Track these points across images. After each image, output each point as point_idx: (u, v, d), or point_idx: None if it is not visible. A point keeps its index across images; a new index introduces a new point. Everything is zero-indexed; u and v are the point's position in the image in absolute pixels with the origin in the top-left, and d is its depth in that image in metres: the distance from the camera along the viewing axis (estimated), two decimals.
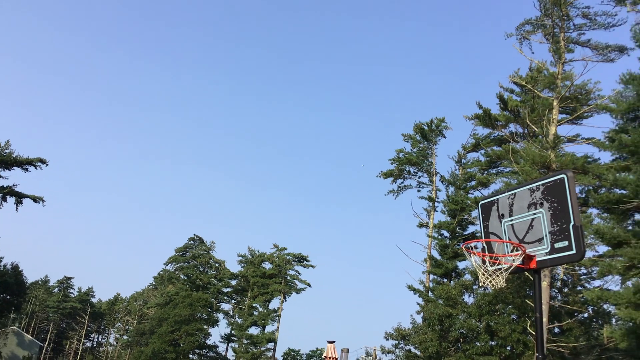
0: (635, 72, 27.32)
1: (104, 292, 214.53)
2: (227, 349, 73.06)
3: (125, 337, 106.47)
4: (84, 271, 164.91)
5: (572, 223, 6.56)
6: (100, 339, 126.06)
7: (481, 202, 8.06)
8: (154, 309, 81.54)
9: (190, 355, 67.43)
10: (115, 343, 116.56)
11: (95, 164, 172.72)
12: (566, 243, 6.57)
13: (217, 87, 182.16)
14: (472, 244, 7.88)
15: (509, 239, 7.36)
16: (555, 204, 6.77)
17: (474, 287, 35.30)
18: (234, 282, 77.78)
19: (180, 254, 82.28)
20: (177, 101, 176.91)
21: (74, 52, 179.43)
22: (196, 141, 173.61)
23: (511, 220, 7.43)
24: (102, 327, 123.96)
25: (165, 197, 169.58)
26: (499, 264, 7.23)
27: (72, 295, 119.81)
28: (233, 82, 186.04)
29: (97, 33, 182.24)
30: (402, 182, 51.50)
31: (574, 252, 6.50)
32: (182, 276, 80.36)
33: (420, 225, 48.40)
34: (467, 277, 37.68)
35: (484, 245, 7.77)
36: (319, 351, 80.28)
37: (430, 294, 40.02)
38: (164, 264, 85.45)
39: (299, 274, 74.03)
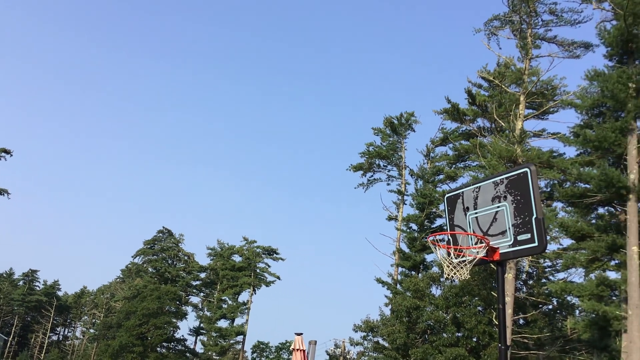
0: (600, 69, 27.89)
1: (71, 286, 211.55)
2: (195, 342, 72.79)
3: (92, 330, 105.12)
4: (49, 264, 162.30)
5: (534, 216, 6.68)
6: (66, 333, 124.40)
7: (447, 195, 8.14)
8: (122, 302, 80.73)
9: (158, 349, 66.87)
10: (81, 337, 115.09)
11: (62, 155, 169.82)
12: (529, 235, 6.69)
13: (182, 74, 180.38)
14: (438, 237, 7.98)
15: (474, 232, 7.45)
16: (519, 197, 6.89)
17: (442, 279, 35.74)
18: (203, 275, 77.39)
19: (149, 246, 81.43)
20: (137, 88, 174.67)
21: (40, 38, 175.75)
22: (163, 132, 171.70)
23: (476, 213, 7.52)
24: (69, 321, 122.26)
25: (133, 189, 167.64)
26: (463, 256, 7.32)
27: (38, 289, 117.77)
28: (200, 71, 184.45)
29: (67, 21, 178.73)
30: (372, 176, 51.86)
31: (536, 244, 6.62)
32: (150, 269, 79.60)
33: (390, 219, 48.83)
34: (435, 269, 38.14)
35: (449, 237, 7.86)
36: (288, 343, 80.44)
37: (398, 286, 40.39)
38: (132, 256, 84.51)
39: (269, 266, 74.04)
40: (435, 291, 36.13)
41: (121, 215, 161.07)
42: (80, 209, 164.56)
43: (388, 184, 52.02)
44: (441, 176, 43.27)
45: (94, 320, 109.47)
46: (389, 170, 51.46)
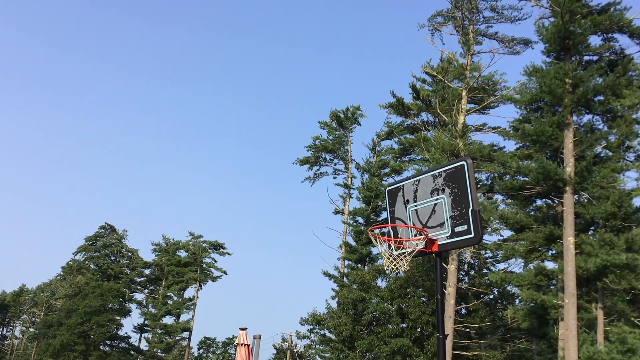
0: (539, 65, 28.74)
1: (8, 284, 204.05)
2: (140, 340, 71.52)
3: (32, 329, 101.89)
4: None
5: (471, 208, 6.81)
6: (4, 332, 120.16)
7: (388, 189, 8.22)
8: (63, 300, 78.48)
9: (101, 347, 65.49)
10: (21, 336, 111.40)
11: None
12: (465, 227, 6.83)
13: (120, 67, 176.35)
14: (379, 230, 8.05)
15: (413, 224, 7.55)
16: (456, 190, 7.01)
17: (387, 271, 36.20)
18: (147, 271, 76.06)
19: (91, 243, 79.38)
20: (77, 79, 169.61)
21: None
22: (103, 126, 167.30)
23: (415, 205, 7.62)
24: (7, 320, 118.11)
25: (72, 185, 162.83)
26: (403, 248, 7.41)
27: None
28: (138, 67, 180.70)
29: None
30: (319, 169, 52.05)
31: (472, 235, 6.76)
32: (92, 266, 77.67)
33: (336, 212, 49.14)
34: (381, 262, 38.58)
35: (390, 230, 7.94)
36: (234, 338, 79.95)
37: (345, 279, 40.69)
38: (73, 253, 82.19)
39: (215, 261, 73.35)
40: (381, 283, 36.60)
41: (61, 212, 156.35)
42: (16, 206, 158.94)
43: (334, 178, 52.35)
44: (387, 170, 43.79)
45: (33, 319, 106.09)
46: (335, 164, 51.79)
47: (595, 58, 29.43)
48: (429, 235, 7.23)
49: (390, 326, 32.78)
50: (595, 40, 32.43)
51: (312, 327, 39.84)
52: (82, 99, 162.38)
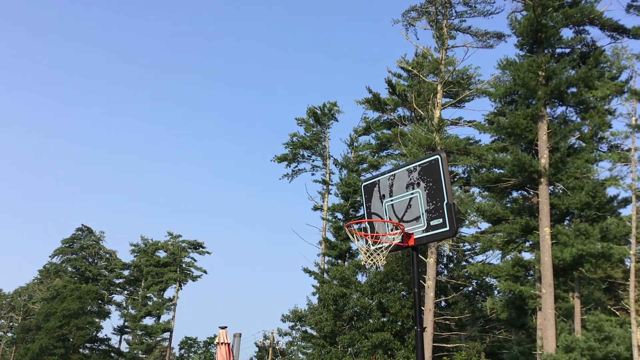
0: (512, 58, 29.03)
1: None
2: (120, 341, 70.96)
3: (9, 334, 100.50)
4: None
5: (445, 201, 6.86)
6: None
7: (364, 184, 8.24)
8: (40, 304, 77.52)
9: (81, 350, 64.82)
10: None
11: None
12: (440, 220, 6.87)
13: (94, 60, 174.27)
14: (357, 225, 8.07)
15: (390, 219, 7.58)
16: (431, 184, 7.05)
17: (366, 266, 36.33)
18: (126, 273, 75.40)
19: (67, 245, 78.49)
20: (49, 75, 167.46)
21: None
22: (78, 122, 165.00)
23: (391, 200, 7.64)
24: None
25: (48, 185, 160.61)
26: (380, 242, 7.43)
27: None
28: (115, 63, 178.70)
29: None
30: (297, 166, 52.02)
31: (447, 228, 6.81)
32: (69, 268, 76.83)
33: (315, 208, 49.19)
34: (360, 257, 38.70)
35: (367, 225, 7.96)
36: (216, 338, 79.65)
37: (325, 275, 40.78)
38: (50, 256, 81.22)
39: (195, 261, 73.02)
40: (361, 278, 36.73)
41: (36, 214, 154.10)
42: None
43: (313, 174, 52.36)
44: (365, 165, 43.94)
45: (11, 324, 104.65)
46: (313, 161, 51.81)
47: (567, 50, 29.83)
48: (405, 229, 7.26)
49: (371, 321, 32.94)
50: (567, 33, 32.95)
51: (293, 323, 39.93)
52: (55, 97, 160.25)
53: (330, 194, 48.83)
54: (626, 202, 27.52)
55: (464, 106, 36.44)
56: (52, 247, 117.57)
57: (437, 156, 7.04)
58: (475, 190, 33.62)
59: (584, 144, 28.28)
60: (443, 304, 34.96)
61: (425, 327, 28.10)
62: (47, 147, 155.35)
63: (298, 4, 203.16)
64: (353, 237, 7.70)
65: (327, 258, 43.34)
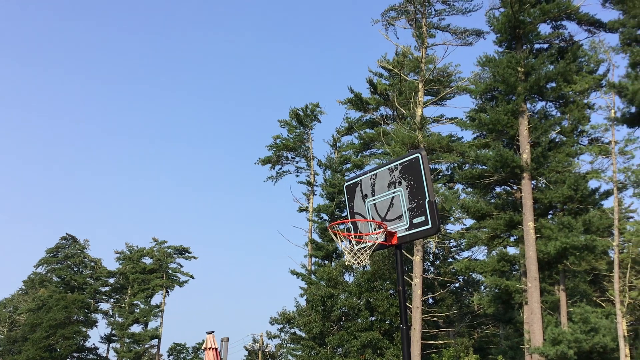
0: (491, 55, 29.23)
1: None
2: (108, 350, 70.36)
3: None
4: None
5: (427, 199, 6.86)
6: None
7: (346, 184, 8.23)
8: (26, 315, 76.70)
9: None
10: None
11: None
12: (423, 218, 6.87)
13: (69, 70, 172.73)
14: (344, 225, 8.06)
15: (372, 218, 7.57)
16: (412, 182, 7.05)
17: (352, 266, 36.37)
18: (112, 281, 74.77)
19: (52, 254, 77.71)
20: (25, 90, 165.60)
21: None
22: (59, 131, 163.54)
23: (374, 199, 7.64)
24: None
25: (30, 195, 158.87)
26: (364, 242, 7.43)
27: None
28: (95, 72, 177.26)
29: None
30: (281, 168, 51.91)
31: (429, 226, 6.81)
32: (55, 278, 76.05)
33: (301, 210, 49.15)
34: (346, 257, 38.72)
35: (350, 225, 7.96)
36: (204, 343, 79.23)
37: (312, 276, 40.75)
38: (34, 266, 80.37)
39: (181, 266, 72.61)
40: (349, 278, 36.77)
41: (19, 224, 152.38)
42: None
43: (297, 176, 52.35)
44: (349, 165, 44.01)
45: None
46: (297, 162, 51.75)
47: (545, 46, 30.09)
48: (388, 228, 7.26)
49: (359, 320, 32.97)
50: (545, 29, 33.20)
51: (282, 326, 39.83)
52: (32, 109, 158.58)
53: (315, 195, 48.84)
54: (608, 194, 27.84)
55: (445, 104, 36.63)
56: (36, 257, 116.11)
57: (418, 154, 7.04)
58: (459, 187, 33.80)
59: (564, 138, 28.55)
60: (430, 301, 35.10)
61: (411, 325, 28.18)
62: (29, 158, 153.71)
63: (277, 5, 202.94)
64: (337, 237, 7.68)
65: (314, 259, 43.34)
